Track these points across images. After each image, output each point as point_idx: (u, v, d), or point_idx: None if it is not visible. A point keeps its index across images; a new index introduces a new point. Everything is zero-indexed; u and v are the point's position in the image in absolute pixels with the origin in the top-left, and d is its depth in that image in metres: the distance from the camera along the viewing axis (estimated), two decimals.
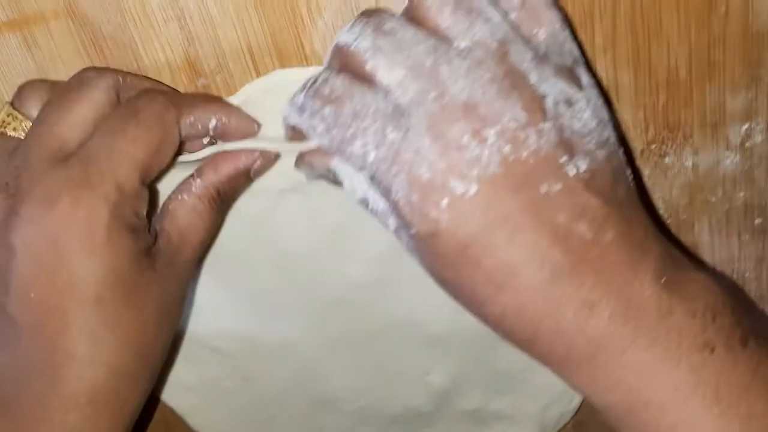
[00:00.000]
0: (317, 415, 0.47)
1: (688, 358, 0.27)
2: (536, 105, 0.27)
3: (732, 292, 0.29)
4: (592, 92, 0.29)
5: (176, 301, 0.35)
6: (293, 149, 0.33)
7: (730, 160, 0.40)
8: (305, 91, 0.31)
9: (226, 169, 0.35)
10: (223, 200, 0.36)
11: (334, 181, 0.32)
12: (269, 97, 0.37)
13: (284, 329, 0.43)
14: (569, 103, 0.28)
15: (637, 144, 0.39)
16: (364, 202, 0.31)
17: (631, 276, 0.27)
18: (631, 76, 0.38)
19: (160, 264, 0.33)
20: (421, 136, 0.27)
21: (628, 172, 0.30)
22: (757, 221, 0.41)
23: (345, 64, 0.30)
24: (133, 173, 0.31)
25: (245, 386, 0.46)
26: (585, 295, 0.27)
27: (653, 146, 0.39)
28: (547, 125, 0.27)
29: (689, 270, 0.29)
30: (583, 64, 0.30)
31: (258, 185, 0.39)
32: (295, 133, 0.32)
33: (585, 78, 0.30)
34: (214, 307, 0.43)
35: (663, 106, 0.38)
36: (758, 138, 0.39)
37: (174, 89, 0.37)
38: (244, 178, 0.36)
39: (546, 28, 0.29)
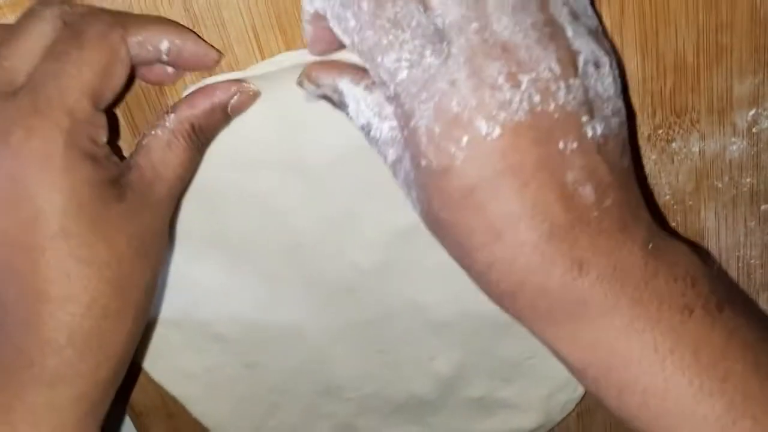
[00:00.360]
0: (321, 402, 0.46)
1: (669, 319, 0.27)
2: (570, 60, 0.27)
3: (708, 262, 0.29)
4: (614, 59, 0.29)
5: (154, 236, 0.34)
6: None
7: (737, 146, 0.40)
8: None
9: (202, 103, 0.34)
10: (198, 136, 0.35)
11: (337, 103, 0.31)
12: (274, 80, 0.37)
13: (288, 315, 0.43)
14: (597, 64, 0.28)
15: (644, 129, 0.39)
16: (366, 129, 0.30)
17: (622, 240, 0.27)
18: (639, 60, 0.37)
19: (132, 196, 0.32)
20: (458, 67, 0.26)
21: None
22: (764, 207, 0.41)
23: None
24: (83, 98, 0.30)
25: (248, 374, 0.46)
26: (577, 254, 0.27)
27: (660, 131, 0.39)
28: (576, 82, 0.27)
29: (671, 238, 0.30)
30: (602, 31, 0.30)
31: (262, 166, 0.39)
32: (316, 27, 0.31)
33: (607, 43, 0.30)
34: (217, 293, 0.43)
35: (670, 90, 0.38)
36: (765, 123, 0.39)
37: (125, 11, 0.35)
38: (221, 114, 0.35)
39: None
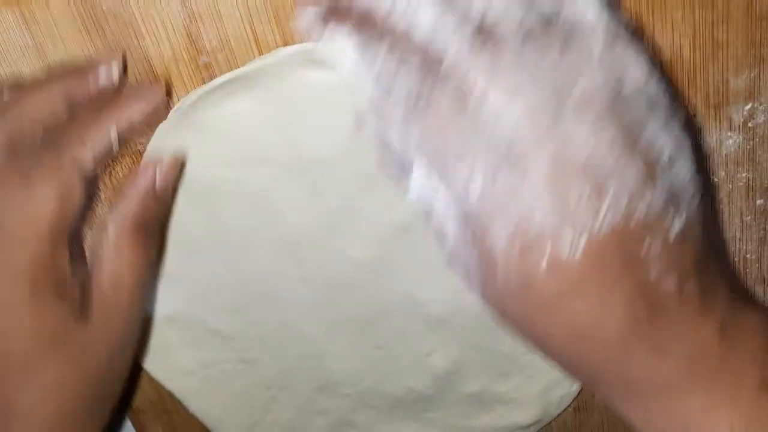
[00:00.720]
0: (318, 398, 0.46)
1: (746, 397, 0.27)
2: (654, 160, 0.26)
3: None
4: (689, 138, 0.28)
5: (122, 344, 0.36)
6: None
7: (733, 140, 0.40)
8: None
9: (132, 193, 0.34)
10: (145, 229, 0.35)
11: (398, 171, 0.29)
12: (272, 75, 0.37)
13: (285, 311, 0.43)
14: (678, 155, 0.27)
15: None
16: (427, 215, 0.29)
17: (701, 323, 0.27)
18: None
19: (97, 316, 0.33)
20: (538, 188, 0.25)
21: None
22: (759, 202, 0.41)
23: (433, 63, 0.26)
24: (42, 233, 0.31)
25: (245, 369, 0.46)
26: (656, 342, 0.27)
27: None
28: (660, 183, 0.26)
29: (746, 310, 0.29)
30: (675, 109, 0.29)
31: (259, 162, 0.38)
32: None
33: (681, 118, 0.28)
34: (213, 289, 0.43)
35: (666, 85, 0.38)
36: (761, 118, 0.39)
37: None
38: (153, 201, 0.35)
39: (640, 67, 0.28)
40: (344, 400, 0.46)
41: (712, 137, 0.40)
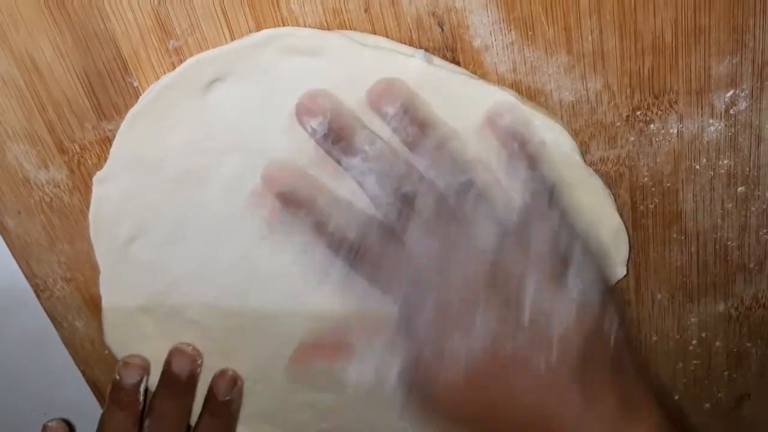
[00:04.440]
0: (297, 390, 0.46)
1: None
2: (515, 307, 0.31)
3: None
4: (588, 266, 0.33)
5: None
6: None
7: (715, 127, 0.39)
8: None
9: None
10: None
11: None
12: (243, 62, 0.35)
13: (262, 302, 0.42)
14: (556, 302, 0.31)
15: (622, 110, 0.38)
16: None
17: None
18: (617, 40, 0.37)
19: None
20: (425, 331, 0.32)
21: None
22: (740, 189, 0.41)
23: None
24: None
25: (223, 361, 0.45)
26: None
27: (638, 113, 0.39)
28: (528, 326, 0.31)
29: (641, 416, 0.32)
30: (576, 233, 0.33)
31: (236, 149, 0.37)
32: None
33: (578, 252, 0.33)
34: (189, 279, 0.42)
35: (648, 71, 0.38)
36: (743, 105, 0.39)
37: None
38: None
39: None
40: (324, 393, 0.46)
41: (693, 124, 0.39)
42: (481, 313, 0.30)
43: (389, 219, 0.33)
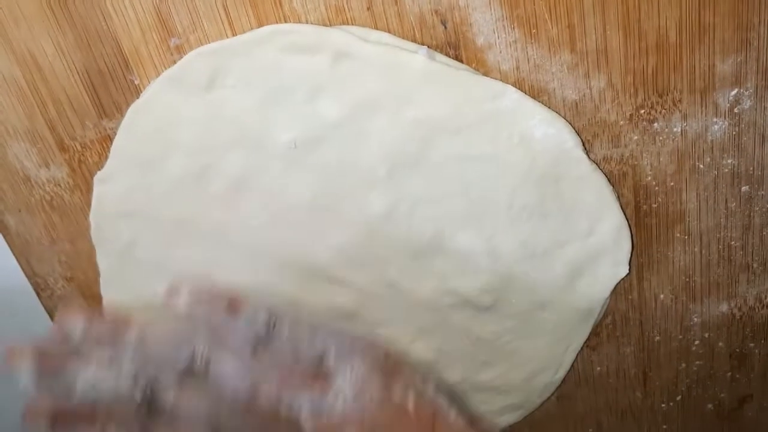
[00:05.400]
0: None
1: None
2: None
3: None
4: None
5: None
6: None
7: (719, 126, 0.39)
8: None
9: None
10: None
11: None
12: (244, 59, 0.35)
13: (265, 300, 0.42)
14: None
15: (626, 108, 0.38)
16: None
17: None
18: (621, 39, 0.37)
19: None
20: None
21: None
22: (744, 188, 0.41)
23: None
24: None
25: None
26: None
27: (642, 111, 0.38)
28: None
29: None
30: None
31: (238, 147, 0.37)
32: None
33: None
34: (193, 278, 0.42)
35: (653, 69, 0.37)
36: (747, 103, 0.39)
37: None
38: None
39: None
40: None
41: (697, 123, 0.39)
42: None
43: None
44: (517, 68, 0.37)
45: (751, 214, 0.42)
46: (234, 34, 0.36)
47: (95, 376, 0.29)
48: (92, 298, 0.46)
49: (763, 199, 0.41)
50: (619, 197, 0.40)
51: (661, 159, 0.40)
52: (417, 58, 0.35)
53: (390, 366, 0.31)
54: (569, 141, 0.37)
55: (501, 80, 0.37)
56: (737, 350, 0.46)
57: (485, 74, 0.37)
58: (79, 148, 0.40)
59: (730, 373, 0.47)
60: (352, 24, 0.36)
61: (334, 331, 0.31)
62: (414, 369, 0.32)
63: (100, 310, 0.32)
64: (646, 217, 0.42)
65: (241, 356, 0.30)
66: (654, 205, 0.41)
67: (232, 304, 0.31)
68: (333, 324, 0.32)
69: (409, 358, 0.44)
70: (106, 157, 0.40)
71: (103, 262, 0.43)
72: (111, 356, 0.29)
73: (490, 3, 0.35)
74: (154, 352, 0.30)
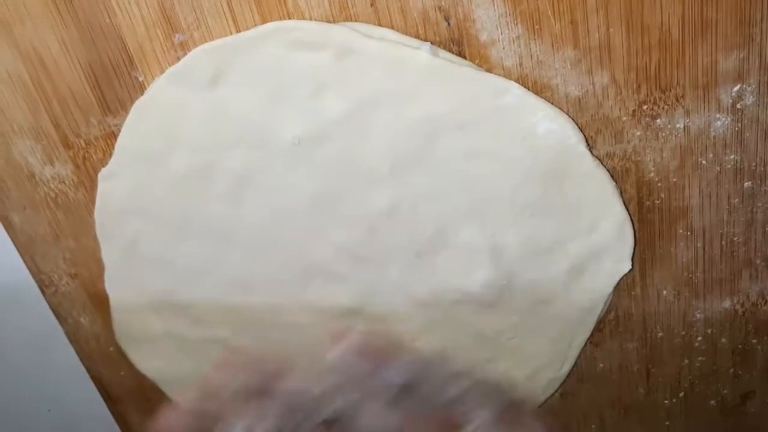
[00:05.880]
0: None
1: None
2: None
3: None
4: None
5: None
6: None
7: (721, 122, 0.39)
8: None
9: None
10: None
11: None
12: (248, 56, 0.35)
13: (267, 297, 0.42)
14: None
15: (629, 104, 0.38)
16: None
17: None
18: (624, 35, 0.37)
19: None
20: None
21: None
22: (747, 184, 0.41)
23: None
24: None
25: None
26: None
27: (645, 107, 0.39)
28: None
29: None
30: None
31: (239, 144, 0.37)
32: None
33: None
34: (195, 275, 0.42)
35: (655, 66, 0.37)
36: (749, 99, 0.39)
37: None
38: None
39: None
40: None
41: (700, 119, 0.39)
42: None
43: None
44: (520, 64, 0.37)
45: (754, 210, 0.42)
46: (238, 31, 0.36)
47: None
48: (96, 294, 0.46)
49: (766, 195, 0.41)
50: (622, 193, 0.40)
51: (663, 155, 0.40)
52: (420, 55, 0.35)
53: (512, 416, 0.31)
54: (572, 137, 0.37)
55: (504, 76, 0.37)
56: (740, 346, 0.46)
57: (488, 70, 0.37)
58: (83, 145, 0.40)
59: (732, 370, 0.47)
60: (356, 20, 0.36)
61: (463, 373, 0.31)
62: (534, 417, 0.31)
63: (247, 356, 0.31)
64: (648, 213, 0.42)
65: (385, 405, 0.29)
66: (657, 202, 0.41)
67: (384, 354, 0.31)
68: (461, 365, 0.31)
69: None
70: (111, 154, 0.40)
71: (107, 258, 0.43)
72: (258, 412, 0.28)
73: None
74: (297, 403, 0.29)
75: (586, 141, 0.38)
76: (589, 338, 0.44)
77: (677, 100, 0.38)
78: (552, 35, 0.36)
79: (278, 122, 0.37)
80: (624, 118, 0.39)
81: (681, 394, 0.48)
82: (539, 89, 0.38)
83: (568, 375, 0.45)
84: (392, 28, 0.36)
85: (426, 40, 0.36)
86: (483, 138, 0.37)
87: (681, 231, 0.42)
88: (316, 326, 0.43)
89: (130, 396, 0.49)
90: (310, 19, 0.36)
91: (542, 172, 0.38)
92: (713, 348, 0.46)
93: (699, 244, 0.43)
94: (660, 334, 0.46)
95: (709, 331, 0.46)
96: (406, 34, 0.36)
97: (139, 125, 0.38)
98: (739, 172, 0.41)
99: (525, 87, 0.37)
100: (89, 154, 0.40)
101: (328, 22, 0.36)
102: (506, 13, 0.36)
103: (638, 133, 0.39)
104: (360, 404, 0.29)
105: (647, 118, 0.39)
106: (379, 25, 0.36)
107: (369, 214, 0.39)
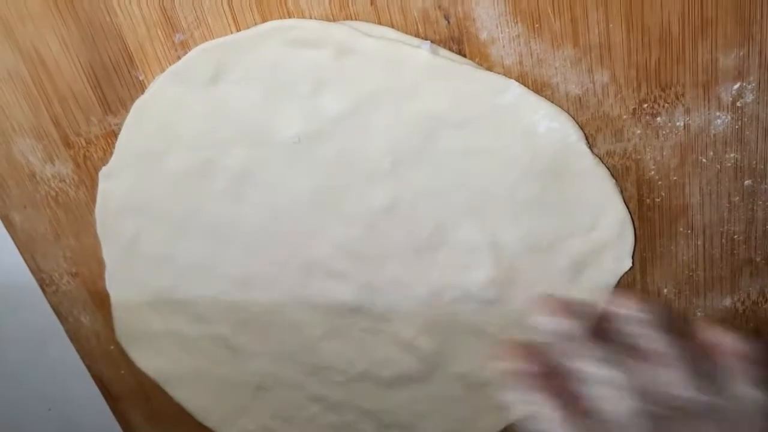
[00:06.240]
0: (309, 384, 0.46)
1: None
2: None
3: None
4: None
5: None
6: None
7: (722, 120, 0.39)
8: None
9: None
10: None
11: None
12: (248, 54, 0.35)
13: (268, 295, 0.42)
14: None
15: (629, 103, 0.38)
16: None
17: None
18: (624, 33, 0.37)
19: None
20: None
21: None
22: (747, 182, 0.41)
23: None
24: None
25: (230, 355, 0.45)
26: None
27: (645, 105, 0.39)
28: None
29: None
30: None
31: (240, 141, 0.37)
32: None
33: None
34: (196, 272, 0.42)
35: (655, 63, 0.37)
36: (749, 97, 0.39)
37: None
38: None
39: None
40: (337, 386, 0.46)
41: (700, 117, 0.39)
42: None
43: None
44: (521, 63, 0.37)
45: (754, 208, 0.42)
46: (238, 30, 0.36)
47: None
48: (97, 293, 0.46)
49: (766, 193, 0.41)
50: (622, 191, 0.40)
51: (664, 153, 0.40)
52: (420, 53, 0.35)
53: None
54: (572, 135, 0.37)
55: (504, 75, 0.37)
56: None
57: (488, 69, 0.37)
58: (84, 143, 0.40)
59: None
60: (356, 19, 0.36)
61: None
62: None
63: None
64: (649, 211, 0.42)
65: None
66: (657, 200, 0.41)
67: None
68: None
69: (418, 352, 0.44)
70: (111, 153, 0.40)
71: (108, 257, 0.43)
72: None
73: None
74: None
75: (587, 139, 0.38)
76: None
77: (677, 99, 0.38)
78: (552, 34, 0.36)
79: (278, 120, 0.37)
80: (624, 117, 0.39)
81: None
82: (539, 87, 0.38)
83: None
84: (392, 26, 0.36)
85: (426, 39, 0.36)
86: (483, 136, 0.37)
87: (681, 229, 0.42)
88: (319, 325, 0.43)
89: (130, 394, 0.50)
90: (310, 18, 0.36)
91: (542, 170, 0.38)
92: None
93: (699, 242, 0.43)
94: None
95: None
96: (406, 33, 0.36)
97: (140, 124, 0.38)
98: (739, 170, 0.41)
99: (525, 85, 0.37)
100: (90, 153, 0.40)
101: (328, 20, 0.36)
102: (506, 11, 0.36)
103: (638, 131, 0.39)
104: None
105: (647, 117, 0.39)
106: (379, 23, 0.36)
107: (369, 211, 0.39)
